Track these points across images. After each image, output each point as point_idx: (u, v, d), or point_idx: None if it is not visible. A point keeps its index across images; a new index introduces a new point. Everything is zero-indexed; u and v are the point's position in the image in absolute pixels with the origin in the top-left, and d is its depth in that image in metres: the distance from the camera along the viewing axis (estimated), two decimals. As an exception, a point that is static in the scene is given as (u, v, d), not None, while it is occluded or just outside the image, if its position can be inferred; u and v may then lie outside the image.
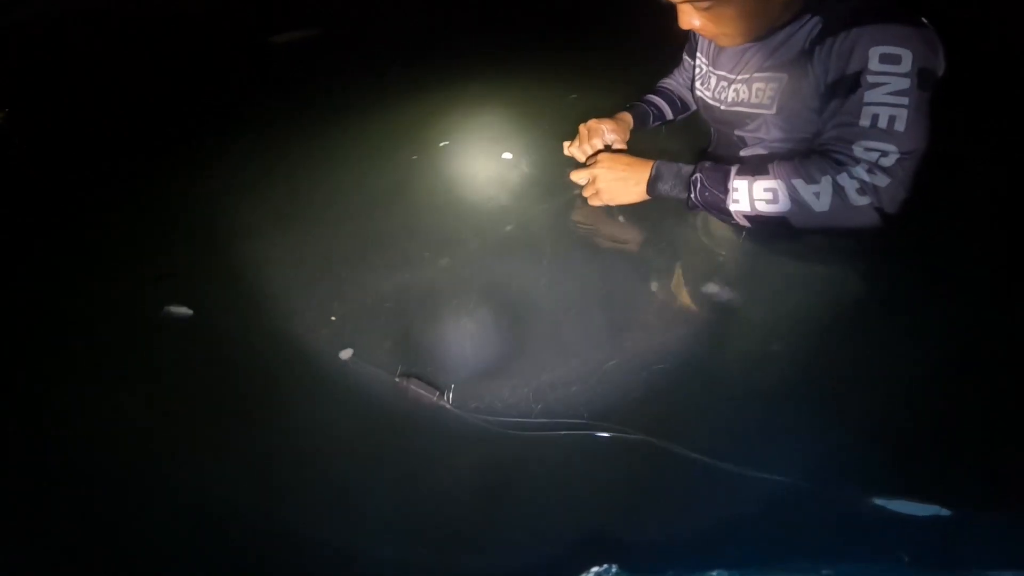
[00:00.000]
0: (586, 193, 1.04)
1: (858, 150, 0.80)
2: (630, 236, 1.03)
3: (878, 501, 0.60)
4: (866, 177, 0.79)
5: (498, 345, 0.82)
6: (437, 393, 0.73)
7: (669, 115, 1.28)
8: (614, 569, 0.53)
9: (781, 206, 0.84)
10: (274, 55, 2.24)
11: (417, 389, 0.74)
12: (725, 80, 1.04)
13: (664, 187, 0.96)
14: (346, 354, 0.81)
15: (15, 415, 0.82)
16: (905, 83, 0.78)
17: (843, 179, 0.80)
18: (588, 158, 1.10)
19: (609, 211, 1.04)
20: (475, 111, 1.46)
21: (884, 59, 0.79)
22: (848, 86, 0.81)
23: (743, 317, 0.86)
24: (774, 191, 0.85)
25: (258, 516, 0.66)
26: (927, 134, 0.81)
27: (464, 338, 0.83)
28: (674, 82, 1.29)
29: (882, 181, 0.79)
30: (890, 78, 0.78)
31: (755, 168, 0.88)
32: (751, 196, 0.86)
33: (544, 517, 0.62)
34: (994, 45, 1.34)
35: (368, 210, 1.14)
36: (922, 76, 0.79)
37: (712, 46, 1.08)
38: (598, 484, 0.65)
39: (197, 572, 0.63)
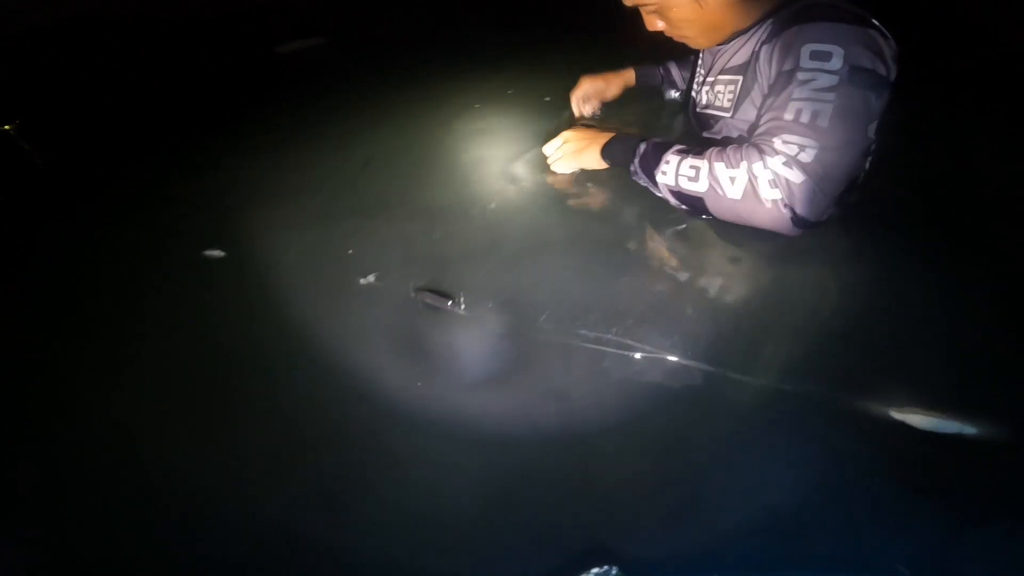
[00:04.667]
0: (552, 160, 1.12)
1: (778, 143, 0.78)
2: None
3: (895, 415, 0.63)
4: (780, 169, 0.77)
5: (503, 264, 0.94)
6: (449, 301, 0.86)
7: (679, 82, 1.35)
8: (614, 571, 0.54)
9: (699, 186, 0.87)
10: (280, 64, 2.38)
11: (431, 301, 0.87)
12: (699, 81, 1.09)
13: (615, 151, 1.03)
14: (367, 279, 0.94)
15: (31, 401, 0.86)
16: (832, 80, 0.76)
17: (758, 168, 0.79)
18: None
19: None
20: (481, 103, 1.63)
21: (814, 56, 0.78)
22: (782, 84, 0.81)
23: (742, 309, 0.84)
24: (697, 169, 0.87)
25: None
26: (860, 135, 0.78)
27: (472, 261, 0.96)
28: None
29: (796, 177, 0.77)
30: (818, 75, 0.77)
31: (693, 148, 0.90)
32: (677, 171, 0.89)
33: (544, 518, 0.63)
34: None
35: (374, 179, 1.29)
36: (855, 74, 0.77)
37: None
38: (598, 484, 0.65)
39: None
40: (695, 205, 0.90)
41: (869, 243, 0.89)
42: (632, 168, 0.99)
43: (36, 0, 2.60)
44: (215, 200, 1.29)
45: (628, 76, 1.36)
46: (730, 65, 0.97)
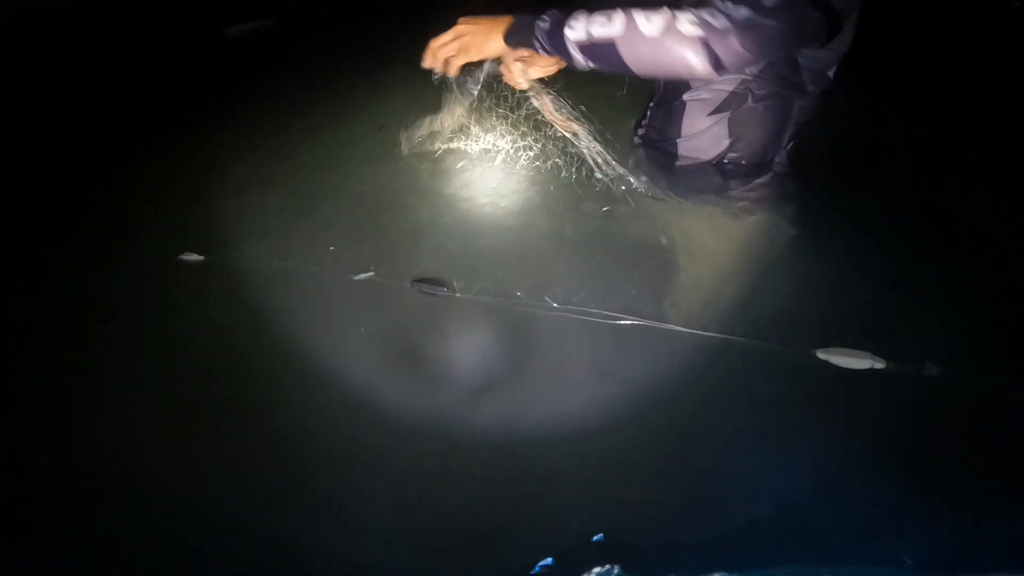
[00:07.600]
0: (448, 54, 0.98)
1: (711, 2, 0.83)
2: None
3: (820, 355, 0.67)
4: (705, 15, 0.81)
5: (491, 240, 0.96)
6: (444, 288, 0.86)
7: None
8: (616, 570, 0.54)
9: (613, 28, 0.86)
10: (229, 47, 2.28)
11: (427, 290, 0.86)
12: None
13: (518, 33, 0.96)
14: (363, 276, 0.92)
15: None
16: None
17: (681, 13, 0.83)
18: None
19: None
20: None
21: None
22: None
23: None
24: (609, 15, 0.87)
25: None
26: (797, 28, 0.84)
27: (457, 240, 0.97)
28: None
29: (720, 22, 0.80)
30: None
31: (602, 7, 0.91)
32: (588, 23, 0.88)
33: (546, 517, 0.63)
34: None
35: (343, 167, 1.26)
36: None
37: None
38: (600, 482, 0.65)
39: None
40: (607, 56, 0.88)
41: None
42: (536, 44, 0.94)
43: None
44: (189, 199, 1.23)
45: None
46: None
